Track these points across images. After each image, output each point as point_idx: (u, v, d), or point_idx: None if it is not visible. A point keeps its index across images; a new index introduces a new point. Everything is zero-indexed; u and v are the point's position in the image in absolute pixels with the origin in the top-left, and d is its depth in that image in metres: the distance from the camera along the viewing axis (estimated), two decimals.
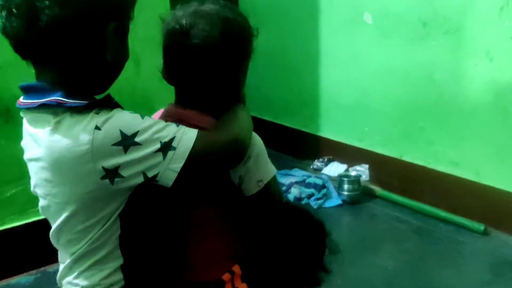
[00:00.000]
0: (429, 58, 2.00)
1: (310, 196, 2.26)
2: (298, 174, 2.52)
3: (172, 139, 0.77)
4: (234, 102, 0.94)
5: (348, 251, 1.87)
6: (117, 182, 0.76)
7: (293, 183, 2.39)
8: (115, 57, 0.81)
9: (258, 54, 2.87)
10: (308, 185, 2.34)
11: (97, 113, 0.74)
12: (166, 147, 0.76)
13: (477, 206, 1.95)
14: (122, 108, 0.80)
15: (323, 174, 2.50)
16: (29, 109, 0.77)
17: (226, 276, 0.92)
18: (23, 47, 0.76)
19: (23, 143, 0.84)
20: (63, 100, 0.74)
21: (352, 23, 2.29)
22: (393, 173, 2.25)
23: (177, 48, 0.88)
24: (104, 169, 0.74)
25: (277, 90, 2.87)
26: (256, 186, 0.92)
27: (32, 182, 0.85)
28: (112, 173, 0.75)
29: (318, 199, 2.24)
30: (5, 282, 1.72)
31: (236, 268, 0.93)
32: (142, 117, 0.77)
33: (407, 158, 2.20)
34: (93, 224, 0.80)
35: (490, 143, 1.89)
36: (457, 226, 1.96)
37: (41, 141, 0.76)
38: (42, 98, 0.75)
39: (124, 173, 0.76)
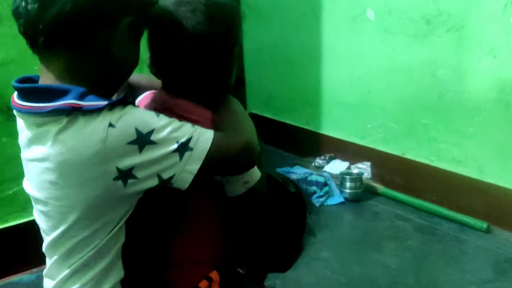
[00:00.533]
0: (432, 55, 1.99)
1: (312, 194, 2.26)
2: (299, 171, 2.51)
3: (189, 139, 0.74)
4: (224, 91, 0.92)
5: (351, 249, 1.87)
6: (130, 184, 0.73)
7: (295, 181, 2.38)
8: (125, 56, 0.78)
9: (260, 51, 2.86)
10: (310, 183, 2.33)
11: (110, 110, 0.70)
12: (183, 147, 0.73)
13: (480, 204, 1.95)
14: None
15: (325, 171, 2.49)
16: (36, 113, 0.73)
17: (203, 284, 0.89)
18: (35, 29, 0.71)
19: (21, 141, 0.79)
20: (78, 104, 0.70)
21: (355, 20, 2.28)
22: (396, 171, 2.25)
23: (165, 38, 0.85)
24: (118, 169, 0.71)
25: (278, 87, 2.87)
26: (243, 187, 0.89)
27: (30, 183, 0.79)
28: (125, 174, 0.71)
29: (320, 196, 2.23)
30: (7, 279, 1.72)
31: (214, 275, 0.90)
32: (157, 115, 0.74)
33: (410, 155, 2.19)
34: (99, 229, 0.76)
35: (494, 141, 1.88)
36: (460, 224, 1.96)
37: (48, 140, 0.72)
38: (52, 102, 0.71)
39: (139, 174, 0.72)
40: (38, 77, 0.79)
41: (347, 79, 2.41)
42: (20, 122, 0.79)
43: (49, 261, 0.82)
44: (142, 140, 0.71)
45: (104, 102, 0.70)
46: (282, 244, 1.03)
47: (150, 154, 0.72)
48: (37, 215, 0.82)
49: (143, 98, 0.97)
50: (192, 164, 0.74)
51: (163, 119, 0.74)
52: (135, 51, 0.81)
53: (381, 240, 1.92)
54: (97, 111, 0.70)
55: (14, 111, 0.78)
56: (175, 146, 0.73)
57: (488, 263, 1.73)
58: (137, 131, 0.71)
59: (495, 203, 1.92)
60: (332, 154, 2.58)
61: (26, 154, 0.78)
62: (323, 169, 2.53)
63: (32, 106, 0.73)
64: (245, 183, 0.89)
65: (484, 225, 1.91)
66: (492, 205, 1.92)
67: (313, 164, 2.61)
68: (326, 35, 2.47)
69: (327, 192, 2.27)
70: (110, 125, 0.70)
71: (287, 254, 1.05)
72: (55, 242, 0.79)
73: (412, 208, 2.12)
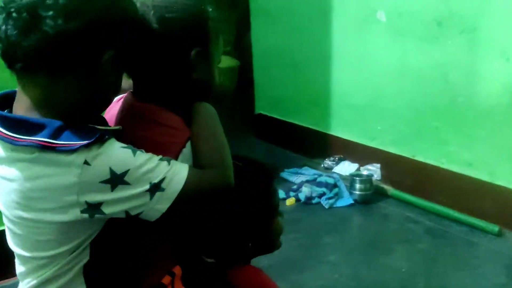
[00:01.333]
0: (444, 58, 1.97)
1: (321, 195, 2.25)
2: (308, 172, 2.51)
3: (162, 180, 0.74)
4: (198, 97, 0.89)
5: (360, 251, 1.86)
6: (96, 217, 0.74)
7: (304, 182, 2.38)
8: (107, 85, 0.78)
9: (269, 52, 2.86)
10: (319, 184, 2.33)
11: (87, 147, 0.70)
12: (155, 188, 0.74)
13: (491, 207, 1.94)
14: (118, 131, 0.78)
15: (334, 173, 2.49)
16: (9, 142, 0.72)
17: (166, 279, 0.87)
18: (13, 55, 0.71)
19: None
20: (51, 144, 0.69)
21: (365, 22, 2.27)
22: (406, 173, 2.24)
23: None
24: (87, 203, 0.72)
25: (287, 88, 2.86)
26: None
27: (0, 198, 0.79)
28: (93, 208, 0.73)
29: (329, 198, 2.23)
30: (10, 281, 1.71)
31: (177, 270, 0.89)
32: (134, 154, 0.74)
33: (420, 157, 2.18)
34: (65, 251, 0.77)
35: (505, 144, 1.86)
36: (471, 227, 1.95)
37: (19, 164, 0.72)
38: (26, 135, 0.70)
39: (106, 210, 0.73)
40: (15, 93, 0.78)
41: (357, 81, 2.40)
42: None
43: (18, 266, 0.83)
44: (115, 180, 0.72)
45: (78, 143, 0.70)
46: (247, 222, 1.00)
47: (121, 193, 0.72)
48: (6, 228, 0.82)
49: (114, 101, 0.96)
50: (162, 204, 0.75)
51: (140, 158, 0.74)
52: (118, 80, 0.81)
53: (390, 243, 1.91)
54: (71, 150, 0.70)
55: None
56: (147, 186, 0.73)
57: (499, 266, 1.72)
58: (111, 171, 0.71)
59: (506, 206, 1.90)
60: (342, 156, 2.57)
61: None
62: (332, 170, 2.52)
63: (6, 134, 0.72)
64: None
65: (495, 228, 1.89)
66: (504, 208, 1.91)
67: (322, 165, 2.60)
68: (335, 37, 2.46)
69: (336, 194, 2.27)
70: (86, 162, 0.70)
71: (259, 232, 1.02)
72: (23, 257, 0.80)
73: (422, 211, 2.11)
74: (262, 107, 3.10)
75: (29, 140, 0.70)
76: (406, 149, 2.24)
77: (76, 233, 0.76)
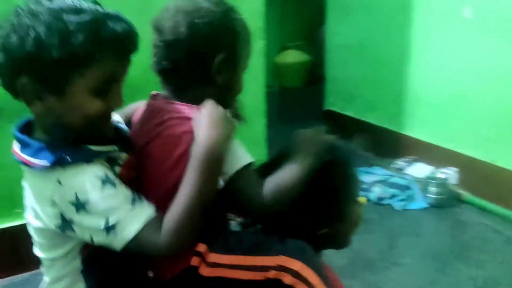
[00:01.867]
0: None
1: (393, 196, 2.20)
2: (380, 172, 2.46)
3: (116, 224, 0.78)
4: (219, 102, 0.89)
5: (435, 256, 1.81)
6: (68, 234, 0.81)
7: (375, 182, 2.33)
8: (54, 111, 0.79)
9: (344, 47, 2.82)
10: (392, 185, 2.27)
11: (63, 167, 0.77)
12: (110, 228, 0.78)
13: None
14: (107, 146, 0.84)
15: (406, 174, 2.42)
16: None
17: (194, 261, 0.88)
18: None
19: None
20: (28, 162, 0.78)
21: (449, 18, 2.18)
22: (484, 178, 2.13)
23: (154, 44, 0.91)
24: (62, 217, 0.79)
25: (360, 85, 2.81)
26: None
27: None
28: (67, 224, 0.79)
29: (402, 200, 2.17)
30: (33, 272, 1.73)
31: (202, 247, 0.89)
32: (103, 185, 0.78)
33: (501, 163, 2.07)
34: (59, 256, 0.85)
35: None
36: None
37: (26, 174, 0.83)
38: (21, 150, 0.80)
39: (76, 230, 0.80)
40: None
41: (436, 80, 2.32)
42: None
43: None
44: (78, 205, 0.77)
45: (41, 164, 0.77)
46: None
47: (83, 218, 0.78)
48: None
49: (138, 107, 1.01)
50: (116, 244, 0.80)
51: (105, 191, 0.78)
52: (61, 103, 0.78)
53: (466, 250, 1.83)
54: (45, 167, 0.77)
55: None
56: (103, 222, 0.78)
57: None
58: (76, 196, 0.77)
59: None
60: (415, 157, 2.49)
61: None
62: (404, 171, 2.45)
63: (20, 155, 0.82)
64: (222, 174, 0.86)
65: None
66: None
67: (393, 166, 2.53)
68: (416, 33, 2.38)
69: (409, 196, 2.21)
70: (58, 181, 0.77)
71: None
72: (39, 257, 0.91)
73: (501, 219, 2.00)
74: (332, 103, 3.06)
75: (19, 157, 0.81)
76: (486, 153, 2.13)
77: (61, 241, 0.84)
